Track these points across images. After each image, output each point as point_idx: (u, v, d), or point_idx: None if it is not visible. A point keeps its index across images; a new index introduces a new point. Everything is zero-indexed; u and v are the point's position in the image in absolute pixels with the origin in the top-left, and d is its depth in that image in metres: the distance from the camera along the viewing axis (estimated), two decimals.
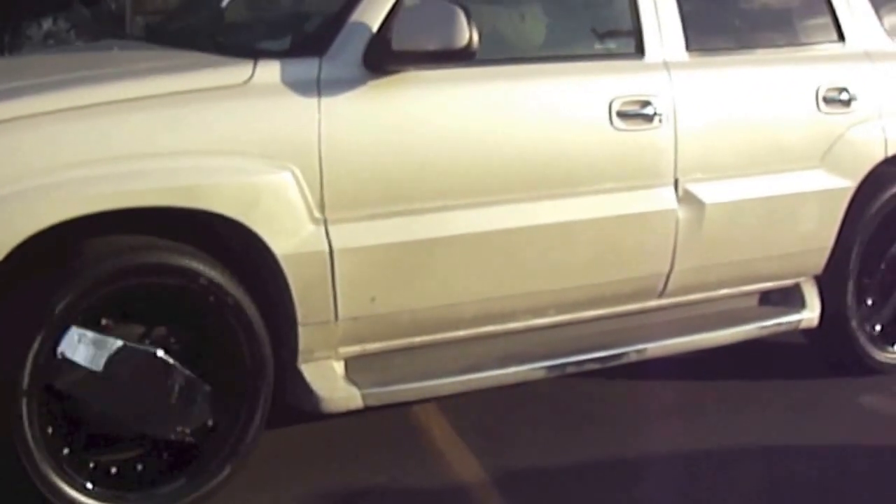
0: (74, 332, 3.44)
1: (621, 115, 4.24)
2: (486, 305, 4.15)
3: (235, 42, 4.26)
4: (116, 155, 3.47)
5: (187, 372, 3.60)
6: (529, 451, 4.25)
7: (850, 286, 4.95)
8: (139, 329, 3.58)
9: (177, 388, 3.57)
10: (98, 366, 3.46)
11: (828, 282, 4.93)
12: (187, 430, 3.63)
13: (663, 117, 4.32)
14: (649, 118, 4.30)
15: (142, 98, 3.57)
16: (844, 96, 4.79)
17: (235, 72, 3.73)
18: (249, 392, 3.73)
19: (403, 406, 4.27)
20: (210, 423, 3.68)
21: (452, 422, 4.46)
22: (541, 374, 4.31)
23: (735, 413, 4.66)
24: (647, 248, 4.41)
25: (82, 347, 3.45)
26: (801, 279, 4.91)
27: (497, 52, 4.09)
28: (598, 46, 4.43)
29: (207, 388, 3.63)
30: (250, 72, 3.72)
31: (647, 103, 4.30)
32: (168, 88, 3.62)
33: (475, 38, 3.72)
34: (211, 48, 4.08)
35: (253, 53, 3.85)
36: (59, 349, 3.42)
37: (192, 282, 3.58)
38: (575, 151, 4.19)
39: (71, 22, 7.96)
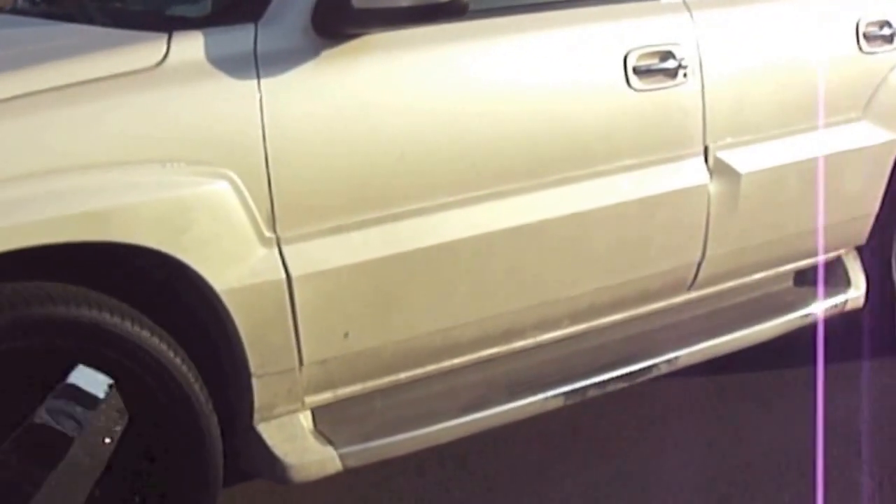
0: None
1: (639, 71, 3.42)
2: (488, 325, 3.37)
3: (142, 10, 3.38)
4: None
5: None
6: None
7: None
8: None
9: None
10: None
11: (871, 252, 4.24)
12: None
13: (688, 70, 3.51)
14: (672, 73, 3.49)
15: (15, 98, 2.64)
16: (886, 31, 4.04)
17: (144, 51, 2.81)
18: (187, 471, 2.92)
19: None
20: None
21: None
22: (558, 403, 3.52)
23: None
24: (675, 234, 3.64)
25: None
26: (841, 252, 4.21)
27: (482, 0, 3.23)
28: None
29: None
30: (164, 49, 2.81)
31: (668, 54, 3.47)
32: (51, 81, 2.69)
33: None
34: (110, 21, 3.17)
35: (166, 24, 2.95)
36: None
37: (89, 339, 2.71)
38: (586, 122, 3.37)
39: None
